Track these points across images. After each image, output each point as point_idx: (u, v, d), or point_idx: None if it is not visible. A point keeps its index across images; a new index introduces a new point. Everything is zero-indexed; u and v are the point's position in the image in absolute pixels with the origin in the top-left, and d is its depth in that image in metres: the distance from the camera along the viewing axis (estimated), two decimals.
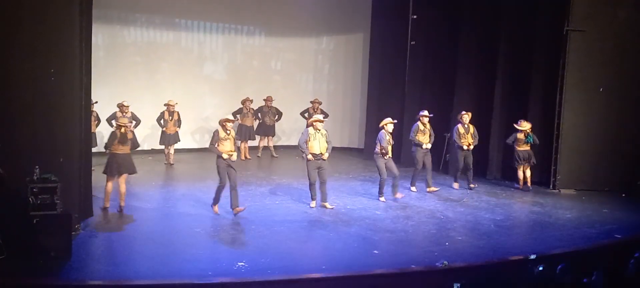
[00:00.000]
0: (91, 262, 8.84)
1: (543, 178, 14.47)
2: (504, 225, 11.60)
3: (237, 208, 11.01)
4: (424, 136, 13.36)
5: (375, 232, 10.73)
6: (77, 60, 9.65)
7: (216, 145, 11.07)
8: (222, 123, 11.19)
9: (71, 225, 9.02)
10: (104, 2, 14.49)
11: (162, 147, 15.55)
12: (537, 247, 10.03)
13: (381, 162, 12.42)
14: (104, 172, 11.25)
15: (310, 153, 11.74)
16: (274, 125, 17.07)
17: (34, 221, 8.60)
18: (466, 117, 13.79)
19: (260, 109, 16.86)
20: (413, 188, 13.52)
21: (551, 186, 14.22)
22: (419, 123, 13.41)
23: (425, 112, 13.47)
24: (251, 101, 16.44)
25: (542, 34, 14.33)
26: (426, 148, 13.34)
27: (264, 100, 16.84)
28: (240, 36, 18.09)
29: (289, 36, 18.54)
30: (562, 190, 14.08)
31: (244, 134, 16.44)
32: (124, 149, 11.23)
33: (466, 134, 13.76)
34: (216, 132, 11.18)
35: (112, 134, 11.38)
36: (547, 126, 14.29)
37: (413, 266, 9.06)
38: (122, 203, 11.17)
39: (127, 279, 8.29)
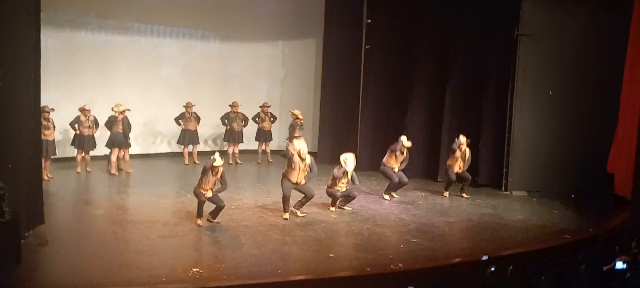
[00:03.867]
0: (41, 270, 8.66)
1: (495, 181, 14.73)
2: (457, 227, 11.79)
3: (214, 220, 10.97)
4: (396, 160, 13.27)
5: (331, 235, 10.77)
6: (26, 64, 9.46)
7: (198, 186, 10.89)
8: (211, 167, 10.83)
9: (20, 233, 8.81)
10: (55, 5, 14.25)
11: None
12: (488, 249, 10.20)
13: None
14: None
15: (287, 179, 11.45)
16: (242, 131, 16.95)
17: None
18: (463, 139, 13.57)
19: (226, 115, 16.74)
20: (386, 197, 13.34)
21: (503, 188, 14.49)
22: (398, 152, 13.22)
23: (409, 144, 13.28)
24: (193, 105, 16.26)
25: (494, 38, 14.60)
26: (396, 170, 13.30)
27: (230, 106, 16.71)
28: (196, 40, 17.94)
29: (245, 41, 18.46)
30: (514, 192, 14.36)
31: (187, 138, 16.25)
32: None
33: (460, 159, 13.59)
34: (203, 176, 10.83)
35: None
36: (499, 129, 14.57)
37: (368, 269, 9.12)
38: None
39: None
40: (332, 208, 12.16)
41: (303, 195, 11.62)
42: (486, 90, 14.76)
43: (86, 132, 14.51)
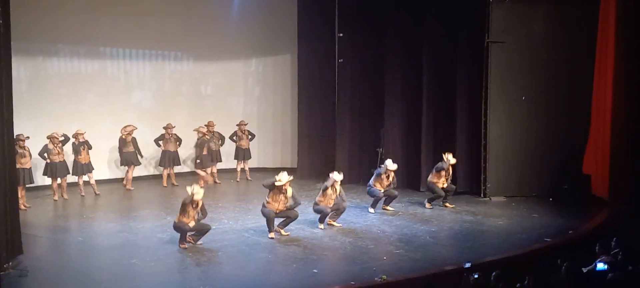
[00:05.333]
0: None
1: (473, 188, 14.83)
2: (438, 236, 11.84)
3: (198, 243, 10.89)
4: (381, 185, 13.23)
5: (314, 251, 10.75)
6: None
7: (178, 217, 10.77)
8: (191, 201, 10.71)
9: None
10: (24, 34, 14.10)
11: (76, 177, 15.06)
12: (471, 256, 10.27)
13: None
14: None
15: (268, 208, 11.38)
16: (219, 150, 16.89)
17: None
18: (451, 159, 13.52)
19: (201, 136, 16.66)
20: (371, 210, 13.28)
21: (482, 194, 14.59)
22: (383, 174, 13.18)
23: (394, 166, 13.25)
24: (173, 127, 16.20)
25: (464, 47, 14.77)
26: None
27: (206, 125, 16.62)
28: (167, 62, 17.87)
29: (217, 60, 18.43)
30: (493, 198, 14.47)
31: (167, 160, 16.18)
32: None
33: (444, 176, 13.54)
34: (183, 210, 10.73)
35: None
36: (474, 136, 14.70)
37: (353, 282, 9.12)
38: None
39: None
40: (322, 226, 12.03)
41: (286, 217, 11.58)
42: (460, 98, 14.88)
43: (56, 158, 14.32)
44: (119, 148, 15.70)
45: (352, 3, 16.06)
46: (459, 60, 14.82)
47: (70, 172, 14.75)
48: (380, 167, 13.48)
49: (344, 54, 16.21)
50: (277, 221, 11.49)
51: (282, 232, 11.54)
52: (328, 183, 11.94)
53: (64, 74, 16.27)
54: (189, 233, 10.81)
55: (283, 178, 11.26)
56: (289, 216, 11.51)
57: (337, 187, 12.06)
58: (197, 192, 10.61)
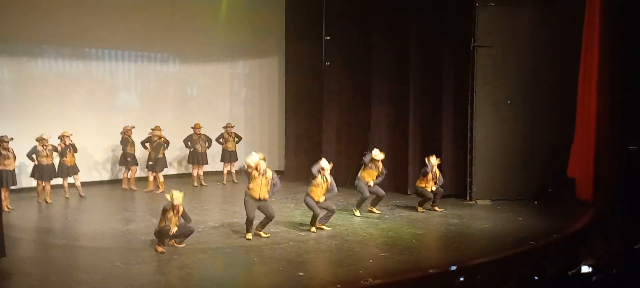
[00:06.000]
0: None
1: (459, 191, 14.87)
2: (424, 238, 11.85)
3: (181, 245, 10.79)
4: (370, 174, 13.22)
5: (300, 254, 10.71)
6: None
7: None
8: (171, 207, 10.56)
9: None
10: (9, 35, 14.01)
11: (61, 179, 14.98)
12: (457, 259, 10.28)
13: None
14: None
15: (250, 196, 11.29)
16: (206, 152, 16.82)
17: None
18: (434, 161, 13.55)
19: (189, 138, 16.60)
20: (357, 213, 13.25)
21: (467, 198, 14.64)
22: (371, 164, 13.16)
23: (382, 156, 13.25)
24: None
25: (450, 50, 14.82)
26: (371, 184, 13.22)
27: (192, 128, 16.59)
28: (153, 63, 17.81)
29: (203, 62, 18.40)
30: (478, 201, 14.52)
31: (155, 163, 16.09)
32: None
33: (431, 180, 13.53)
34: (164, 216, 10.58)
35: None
36: (460, 139, 14.74)
37: (338, 285, 9.10)
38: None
39: None
40: (313, 229, 11.94)
41: (264, 216, 11.54)
42: (446, 101, 14.94)
43: (44, 161, 14.23)
44: (124, 149, 15.84)
45: (340, 6, 16.10)
46: (445, 64, 14.87)
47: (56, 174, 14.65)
48: (364, 154, 13.45)
49: (331, 56, 16.24)
50: (255, 222, 11.44)
51: (262, 233, 11.52)
52: (315, 169, 11.85)
53: (48, 75, 16.18)
54: (173, 238, 10.72)
55: (255, 161, 11.16)
56: (266, 215, 11.44)
57: (327, 176, 11.96)
58: (176, 197, 10.46)
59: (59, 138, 14.60)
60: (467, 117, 14.49)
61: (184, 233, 10.76)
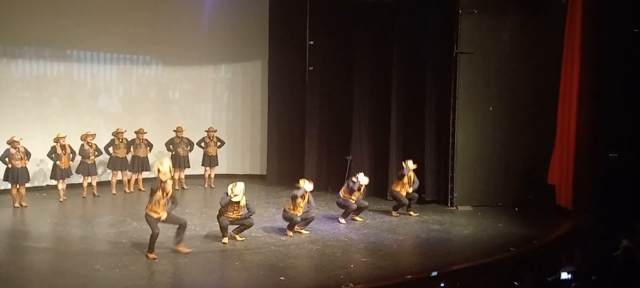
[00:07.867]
0: None
1: (441, 197, 14.92)
2: (405, 244, 11.88)
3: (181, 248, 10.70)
4: (353, 195, 13.09)
5: (281, 259, 10.70)
6: None
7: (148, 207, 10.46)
8: (161, 186, 10.35)
9: None
10: None
11: (55, 182, 14.91)
12: (438, 264, 10.31)
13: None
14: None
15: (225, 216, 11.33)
16: (188, 155, 16.75)
17: None
18: (411, 165, 13.55)
19: (171, 141, 16.52)
20: (343, 221, 13.13)
21: (449, 204, 14.69)
22: (356, 189, 13.02)
23: (366, 181, 13.13)
24: (145, 132, 16.04)
25: (433, 57, 14.87)
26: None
27: (174, 131, 16.51)
28: (135, 67, 17.69)
29: (186, 66, 18.31)
30: (459, 207, 14.58)
31: (136, 166, 16.01)
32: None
33: (406, 183, 13.54)
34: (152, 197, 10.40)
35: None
36: (442, 145, 14.80)
37: None
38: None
39: None
40: (290, 234, 11.97)
41: (241, 225, 11.52)
42: (428, 107, 14.98)
43: (18, 164, 13.99)
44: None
45: (323, 11, 16.10)
46: (427, 70, 14.92)
47: (48, 176, 14.62)
48: (350, 179, 13.33)
49: (314, 61, 16.22)
50: (231, 227, 11.44)
51: (237, 237, 11.50)
52: (298, 193, 11.90)
53: (28, 77, 16.01)
54: (174, 239, 10.65)
55: (238, 192, 11.14)
56: (244, 224, 11.46)
57: (307, 195, 12.04)
58: (163, 170, 10.09)
59: (54, 141, 14.56)
60: (449, 123, 14.55)
61: (177, 223, 10.66)
